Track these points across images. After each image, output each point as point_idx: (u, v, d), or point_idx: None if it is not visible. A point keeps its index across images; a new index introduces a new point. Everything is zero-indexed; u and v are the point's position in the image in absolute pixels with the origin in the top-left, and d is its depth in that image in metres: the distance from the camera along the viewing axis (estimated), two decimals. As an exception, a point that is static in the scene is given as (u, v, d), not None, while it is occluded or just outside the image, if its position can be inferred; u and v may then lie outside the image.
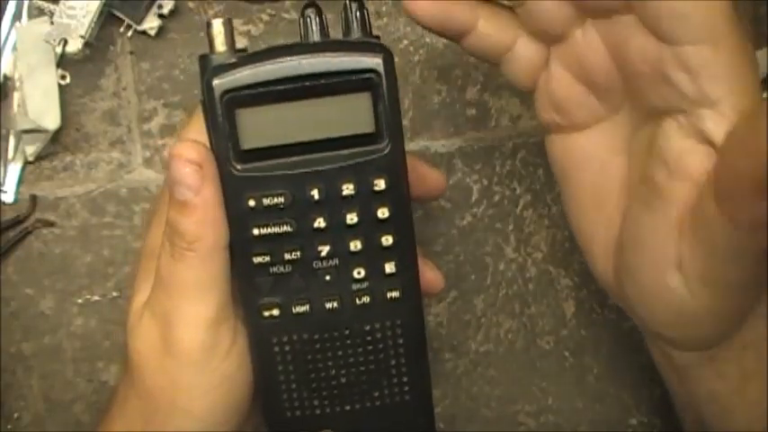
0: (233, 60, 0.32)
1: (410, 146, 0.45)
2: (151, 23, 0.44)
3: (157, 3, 0.43)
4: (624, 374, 0.48)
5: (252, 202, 0.33)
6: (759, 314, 0.34)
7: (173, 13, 0.44)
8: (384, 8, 0.45)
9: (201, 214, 0.32)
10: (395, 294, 0.34)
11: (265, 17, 0.45)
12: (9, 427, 0.45)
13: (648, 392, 0.48)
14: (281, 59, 0.31)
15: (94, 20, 0.42)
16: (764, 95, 0.47)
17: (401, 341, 0.35)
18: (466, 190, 0.47)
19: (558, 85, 0.34)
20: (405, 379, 0.36)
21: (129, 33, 0.44)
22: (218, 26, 0.33)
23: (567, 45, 0.33)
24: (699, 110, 0.30)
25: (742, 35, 0.30)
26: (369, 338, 0.35)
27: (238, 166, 0.32)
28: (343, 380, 0.35)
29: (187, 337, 0.33)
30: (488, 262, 0.48)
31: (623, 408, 0.49)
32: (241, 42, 0.45)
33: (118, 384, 0.38)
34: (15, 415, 0.45)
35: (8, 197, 0.44)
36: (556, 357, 0.48)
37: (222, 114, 0.32)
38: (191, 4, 0.45)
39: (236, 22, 0.45)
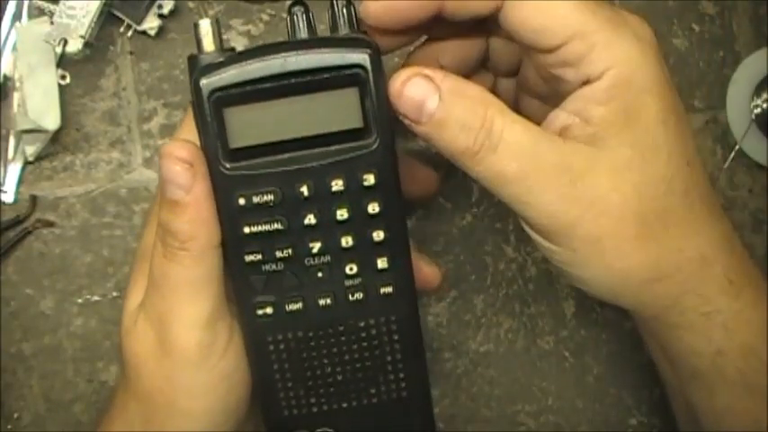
0: (220, 60, 0.32)
1: (410, 145, 0.45)
2: (151, 23, 0.44)
3: (157, 3, 0.43)
4: (624, 374, 0.48)
5: (242, 201, 0.33)
6: (723, 291, 0.34)
7: (173, 13, 0.44)
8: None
9: (194, 213, 0.32)
10: (388, 290, 0.34)
11: (265, 17, 0.45)
12: (9, 427, 0.45)
13: (648, 392, 0.48)
14: (267, 57, 0.31)
15: (94, 20, 0.42)
16: (764, 97, 0.47)
17: (396, 337, 0.35)
18: (466, 190, 0.47)
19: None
20: (401, 375, 0.36)
21: (129, 33, 0.44)
22: (205, 26, 0.33)
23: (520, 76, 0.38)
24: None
25: (606, 17, 0.32)
26: (363, 335, 0.35)
27: (228, 165, 0.32)
28: (340, 377, 0.35)
29: (183, 336, 0.33)
30: (488, 262, 0.48)
31: (623, 408, 0.49)
32: (241, 42, 0.45)
33: (116, 387, 0.38)
34: (15, 415, 0.45)
35: (8, 197, 0.44)
36: (556, 357, 0.48)
37: (210, 114, 0.32)
38: (191, 4, 0.45)
39: (236, 22, 0.45)
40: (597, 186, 0.32)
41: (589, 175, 0.32)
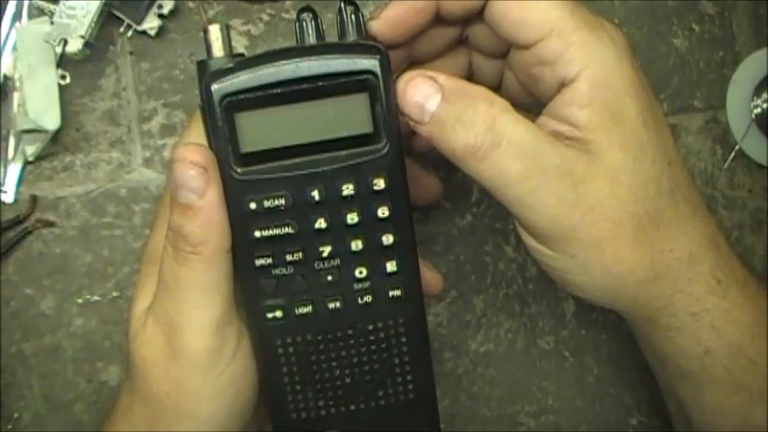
0: (231, 65, 0.32)
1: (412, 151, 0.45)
2: (151, 23, 0.44)
3: (157, 3, 0.43)
4: (624, 374, 0.49)
5: (253, 205, 0.33)
6: (711, 291, 0.35)
7: (173, 13, 0.44)
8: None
9: (206, 217, 0.32)
10: (397, 293, 0.34)
11: (265, 17, 0.45)
12: (9, 427, 0.45)
13: (648, 392, 0.48)
14: (278, 63, 0.32)
15: (94, 20, 0.42)
16: (764, 97, 0.47)
17: (404, 340, 0.35)
18: (466, 190, 0.47)
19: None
20: (408, 377, 0.36)
21: (129, 33, 0.44)
22: (215, 31, 0.33)
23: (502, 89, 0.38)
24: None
25: (584, 19, 0.34)
26: (372, 338, 0.35)
27: (239, 170, 0.32)
28: (348, 380, 0.35)
29: (193, 341, 0.33)
30: (488, 262, 0.48)
31: (623, 408, 0.49)
32: (241, 42, 0.45)
33: (120, 389, 0.38)
34: (15, 415, 0.45)
35: (8, 197, 0.44)
36: (556, 357, 0.48)
37: (221, 119, 0.32)
38: (191, 4, 0.45)
39: (236, 22, 0.45)
40: (596, 191, 0.33)
41: (589, 179, 0.33)
